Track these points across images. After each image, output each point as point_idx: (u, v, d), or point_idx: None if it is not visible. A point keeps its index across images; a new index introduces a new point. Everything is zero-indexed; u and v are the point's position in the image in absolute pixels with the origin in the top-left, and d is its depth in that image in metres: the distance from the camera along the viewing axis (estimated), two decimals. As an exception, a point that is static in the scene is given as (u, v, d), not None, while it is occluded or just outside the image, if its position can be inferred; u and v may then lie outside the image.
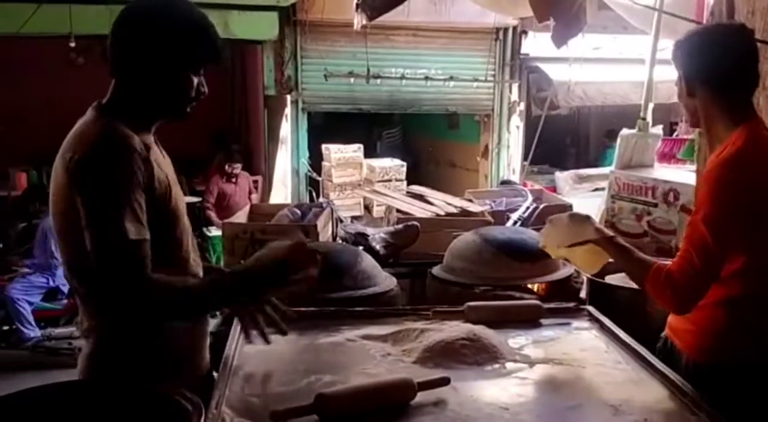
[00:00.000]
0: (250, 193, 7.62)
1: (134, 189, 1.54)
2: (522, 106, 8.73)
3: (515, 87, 8.64)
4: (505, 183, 7.04)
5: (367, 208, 6.20)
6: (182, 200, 1.78)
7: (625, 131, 3.70)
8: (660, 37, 3.90)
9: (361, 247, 2.83)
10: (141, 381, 1.49)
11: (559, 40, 3.24)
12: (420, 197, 3.68)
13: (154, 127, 1.72)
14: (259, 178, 8.07)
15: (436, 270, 2.65)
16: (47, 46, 7.24)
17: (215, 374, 1.77)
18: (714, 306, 1.80)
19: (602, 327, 2.12)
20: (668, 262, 1.83)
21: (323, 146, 7.71)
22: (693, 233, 1.75)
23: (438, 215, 3.36)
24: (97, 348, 1.66)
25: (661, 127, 4.07)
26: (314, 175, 7.87)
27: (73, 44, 6.70)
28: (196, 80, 1.68)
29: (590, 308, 2.24)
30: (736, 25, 2.02)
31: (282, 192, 7.78)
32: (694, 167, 3.36)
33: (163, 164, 1.70)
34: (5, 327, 5.98)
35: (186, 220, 1.78)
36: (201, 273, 1.81)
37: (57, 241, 1.69)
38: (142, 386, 1.45)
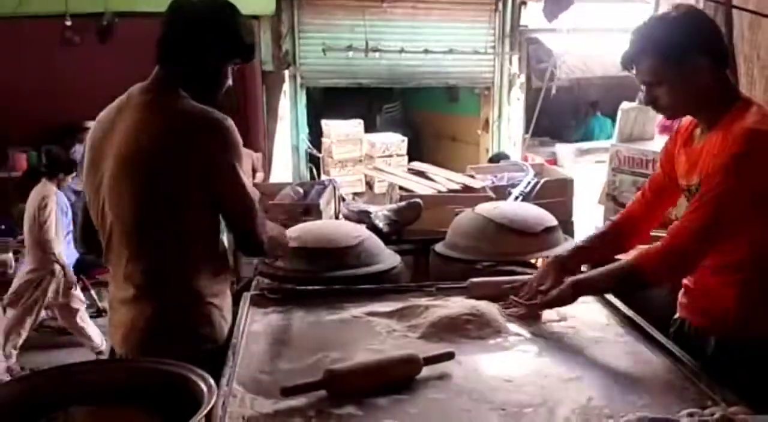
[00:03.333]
0: (254, 171, 7.51)
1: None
2: (522, 78, 8.70)
3: (515, 59, 8.60)
4: (499, 156, 7.04)
5: (369, 184, 6.23)
6: None
7: (625, 104, 3.71)
8: (659, 7, 3.88)
9: (364, 225, 2.86)
10: (165, 361, 1.54)
11: (551, 14, 3.24)
12: (422, 174, 3.70)
13: None
14: (259, 154, 8.05)
15: (439, 247, 2.68)
16: (43, 25, 7.19)
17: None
18: (752, 281, 1.75)
19: (603, 300, 2.15)
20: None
21: (323, 122, 7.70)
22: (703, 202, 1.70)
23: (440, 192, 3.38)
24: (154, 309, 1.84)
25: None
26: (314, 151, 7.87)
27: (69, 23, 6.67)
28: (229, 74, 1.93)
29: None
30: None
31: (282, 169, 7.79)
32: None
33: None
34: (11, 308, 6.02)
35: None
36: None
37: (111, 210, 1.85)
38: (159, 368, 1.48)
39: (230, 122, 1.80)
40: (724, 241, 1.72)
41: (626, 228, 2.12)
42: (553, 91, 6.63)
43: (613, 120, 9.39)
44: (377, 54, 7.85)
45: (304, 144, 7.94)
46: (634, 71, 1.86)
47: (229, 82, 1.93)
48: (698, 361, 1.73)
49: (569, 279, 1.95)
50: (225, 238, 2.04)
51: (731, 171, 1.66)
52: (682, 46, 1.76)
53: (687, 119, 1.95)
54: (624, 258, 1.89)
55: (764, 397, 1.48)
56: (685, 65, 1.76)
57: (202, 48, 1.83)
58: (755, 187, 1.67)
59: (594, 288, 1.97)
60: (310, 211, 3.11)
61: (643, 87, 1.90)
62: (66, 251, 6.08)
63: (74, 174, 5.91)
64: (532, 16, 8.23)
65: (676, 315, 2.01)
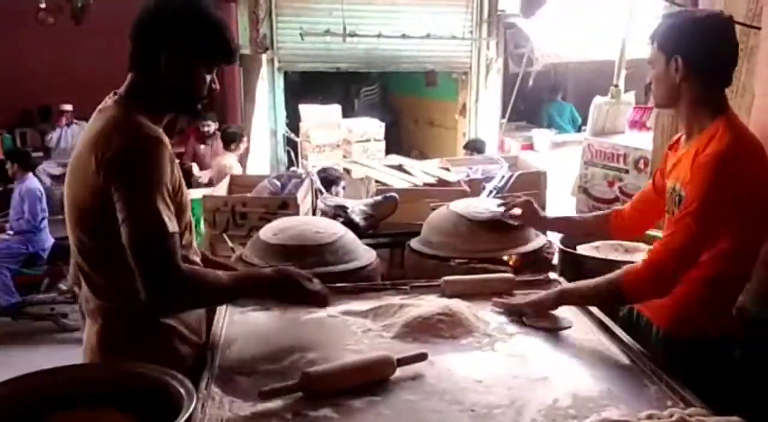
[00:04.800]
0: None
1: (166, 184, 1.63)
2: (499, 63, 8.73)
3: (492, 44, 8.62)
4: (474, 143, 7.10)
5: (347, 169, 6.24)
6: (188, 194, 1.86)
7: (598, 99, 3.77)
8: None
9: (341, 219, 2.90)
10: (143, 360, 1.55)
11: (528, 10, 3.26)
12: (398, 167, 3.73)
13: (165, 119, 1.79)
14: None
15: (413, 243, 2.73)
16: (17, 7, 7.08)
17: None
18: (693, 282, 1.86)
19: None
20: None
21: (300, 106, 7.69)
22: (679, 227, 1.81)
23: (416, 185, 3.42)
24: (103, 328, 1.74)
25: (633, 93, 4.13)
26: (292, 135, 7.86)
27: (43, 5, 6.58)
28: (209, 78, 1.76)
29: (561, 279, 2.33)
30: (726, 16, 1.97)
31: (260, 153, 7.78)
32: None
33: (174, 158, 1.77)
34: (-16, 293, 5.99)
35: (190, 213, 1.86)
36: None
37: (70, 225, 1.73)
38: (139, 371, 1.52)
39: (139, 148, 1.61)
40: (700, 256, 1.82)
41: (618, 219, 2.33)
42: (530, 83, 6.66)
43: (578, 106, 9.70)
44: (355, 38, 7.81)
45: (282, 128, 7.92)
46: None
47: (215, 86, 1.79)
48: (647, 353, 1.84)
49: (557, 288, 2.08)
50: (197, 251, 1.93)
51: (702, 199, 1.77)
52: (671, 43, 1.87)
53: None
54: (611, 275, 1.92)
55: (712, 396, 1.57)
56: (668, 61, 1.87)
57: (174, 49, 1.67)
58: (725, 209, 1.79)
59: (579, 298, 2.04)
60: (287, 204, 3.15)
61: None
62: (42, 236, 6.07)
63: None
64: (509, 2, 8.24)
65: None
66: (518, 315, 2.06)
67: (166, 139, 1.70)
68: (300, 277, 1.89)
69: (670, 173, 2.00)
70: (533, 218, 2.51)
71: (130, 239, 1.57)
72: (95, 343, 1.75)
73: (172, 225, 1.61)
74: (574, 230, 2.68)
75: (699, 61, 1.85)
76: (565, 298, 2.02)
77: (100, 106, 1.73)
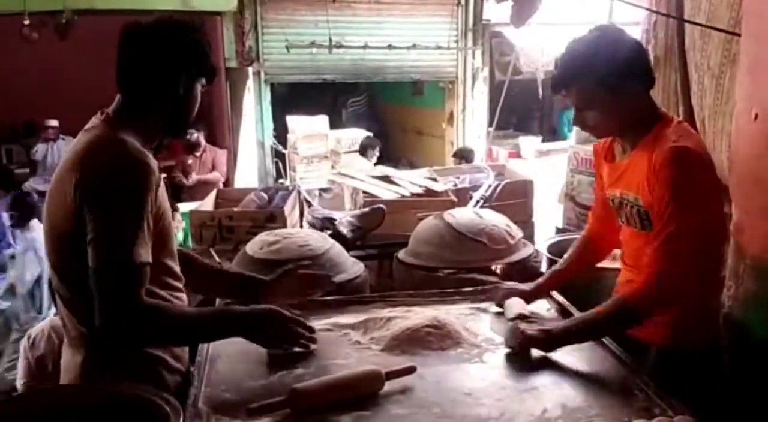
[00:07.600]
0: (212, 169, 7.19)
1: (147, 211, 1.57)
2: (485, 72, 8.78)
3: (478, 53, 8.67)
4: (463, 151, 7.12)
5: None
6: (170, 221, 1.79)
7: (583, 106, 3.77)
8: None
9: (328, 232, 2.89)
10: (127, 384, 1.53)
11: (518, 20, 3.25)
12: (385, 178, 3.73)
13: (155, 141, 1.77)
14: (224, 151, 7.96)
15: (401, 254, 2.73)
16: (0, 22, 7.05)
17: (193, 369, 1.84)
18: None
19: (560, 308, 2.22)
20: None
21: (288, 118, 7.70)
22: (670, 229, 1.73)
23: (403, 196, 3.42)
24: (87, 357, 1.68)
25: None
26: (280, 147, 7.86)
27: (27, 21, 6.55)
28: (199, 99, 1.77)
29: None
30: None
31: (247, 165, 7.77)
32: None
33: (161, 183, 1.71)
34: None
35: (173, 242, 1.81)
36: (185, 296, 1.85)
37: (49, 248, 1.68)
38: (123, 391, 1.50)
39: (121, 169, 1.56)
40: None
41: (593, 244, 2.22)
42: (504, 92, 6.69)
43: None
44: (341, 50, 7.85)
45: (270, 140, 7.92)
46: (563, 93, 1.88)
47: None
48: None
49: (547, 329, 1.88)
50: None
51: (678, 202, 1.72)
52: (620, 74, 1.79)
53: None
54: (608, 302, 1.83)
55: (703, 408, 1.57)
56: (619, 92, 1.79)
57: (164, 71, 1.68)
58: (701, 205, 1.76)
59: (579, 335, 1.86)
60: (274, 217, 3.13)
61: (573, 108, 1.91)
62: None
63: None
64: (494, 11, 8.29)
65: None
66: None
67: (154, 163, 1.62)
68: (283, 317, 1.82)
69: (615, 183, 1.94)
70: (528, 297, 2.20)
71: (93, 262, 1.51)
72: (78, 374, 1.68)
73: (144, 255, 1.54)
74: (568, 278, 2.26)
75: (647, 76, 1.86)
76: (560, 340, 1.84)
77: (86, 126, 1.69)
